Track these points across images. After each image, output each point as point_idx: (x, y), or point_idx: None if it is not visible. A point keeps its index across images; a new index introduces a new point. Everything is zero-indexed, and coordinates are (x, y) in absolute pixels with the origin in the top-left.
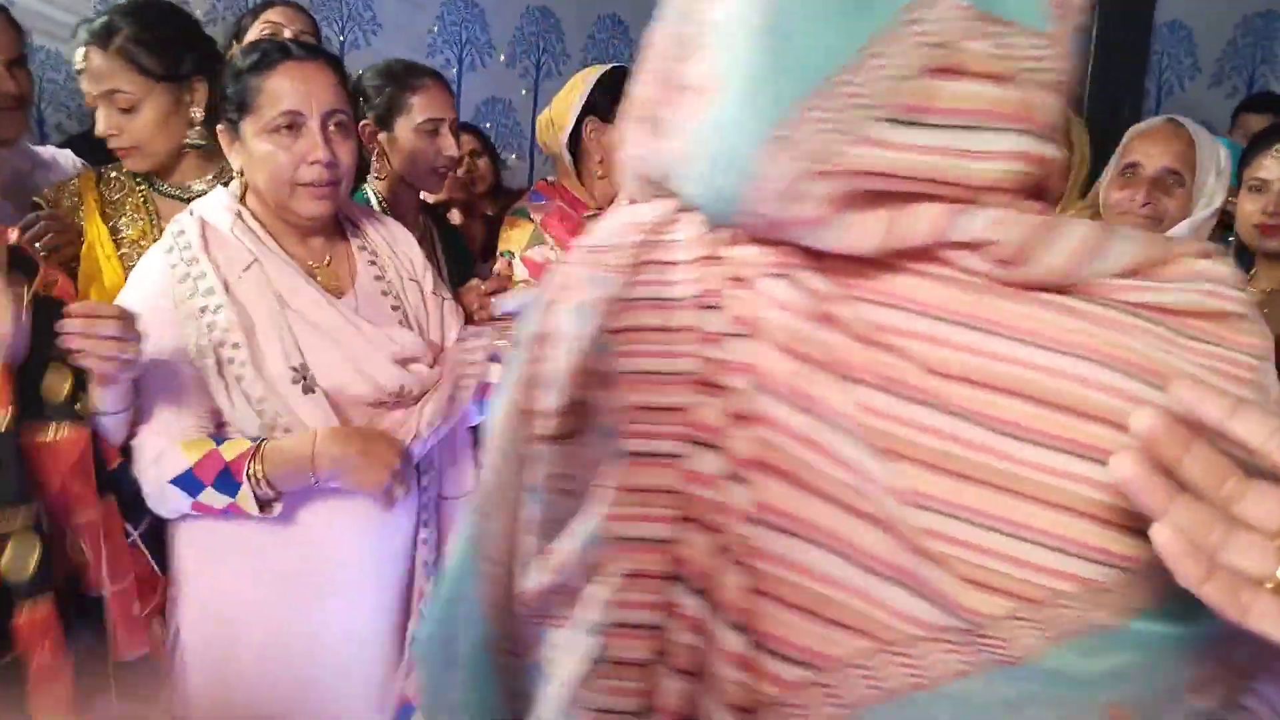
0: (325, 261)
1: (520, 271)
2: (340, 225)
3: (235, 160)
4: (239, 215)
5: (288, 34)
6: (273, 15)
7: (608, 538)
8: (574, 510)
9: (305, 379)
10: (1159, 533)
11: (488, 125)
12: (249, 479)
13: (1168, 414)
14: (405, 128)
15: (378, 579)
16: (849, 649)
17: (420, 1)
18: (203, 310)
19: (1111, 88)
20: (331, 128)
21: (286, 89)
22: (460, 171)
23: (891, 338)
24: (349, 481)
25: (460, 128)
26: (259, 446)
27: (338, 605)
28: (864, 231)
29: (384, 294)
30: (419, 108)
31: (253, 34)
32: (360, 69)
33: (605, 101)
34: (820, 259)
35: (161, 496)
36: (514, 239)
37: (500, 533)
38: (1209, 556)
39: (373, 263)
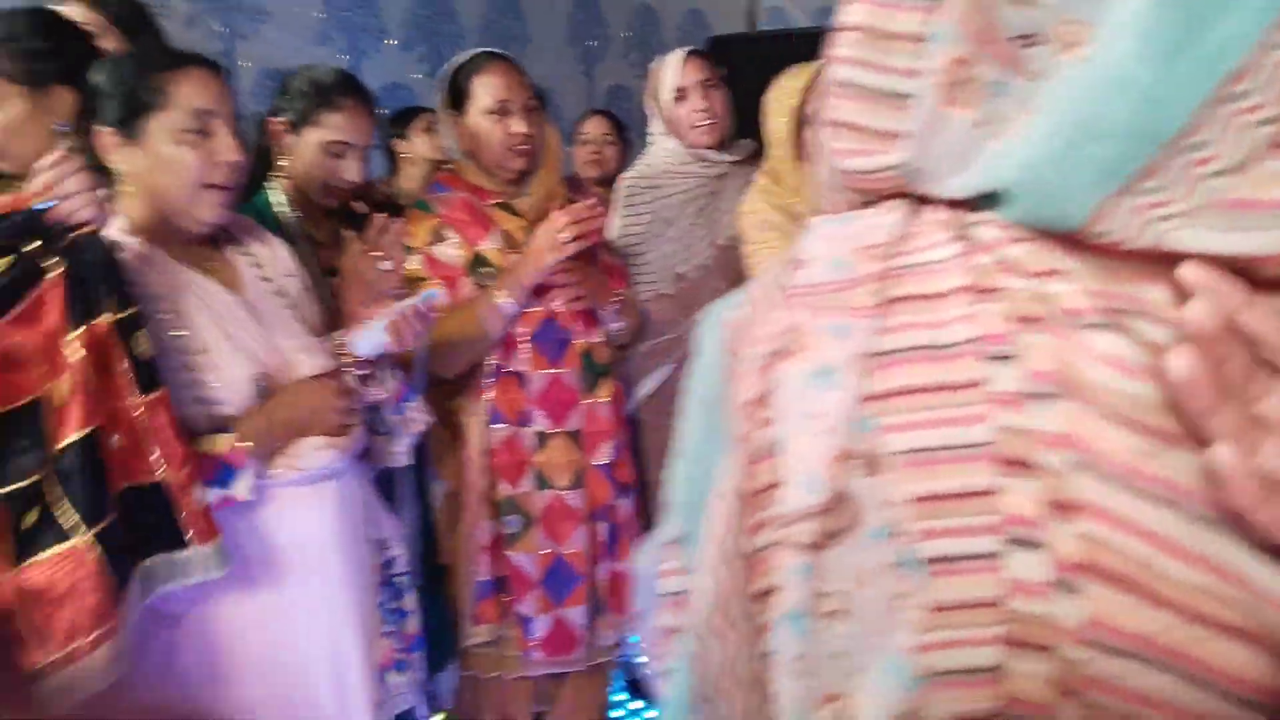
0: (212, 269)
1: (422, 269)
2: (212, 235)
3: (123, 166)
4: (135, 233)
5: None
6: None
7: (920, 674)
8: (853, 639)
9: (262, 386)
10: (1221, 454)
11: (384, 111)
12: (248, 463)
13: (1222, 308)
14: (311, 139)
15: (346, 563)
16: None
17: None
18: (158, 336)
19: None
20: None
21: (201, 90)
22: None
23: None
24: (309, 434)
25: (419, 111)
26: (238, 435)
27: (315, 582)
28: None
29: (278, 294)
30: (330, 126)
31: None
32: (248, 60)
33: (459, 93)
34: (1150, 292)
35: None
36: (415, 234)
37: (726, 662)
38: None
39: (256, 265)
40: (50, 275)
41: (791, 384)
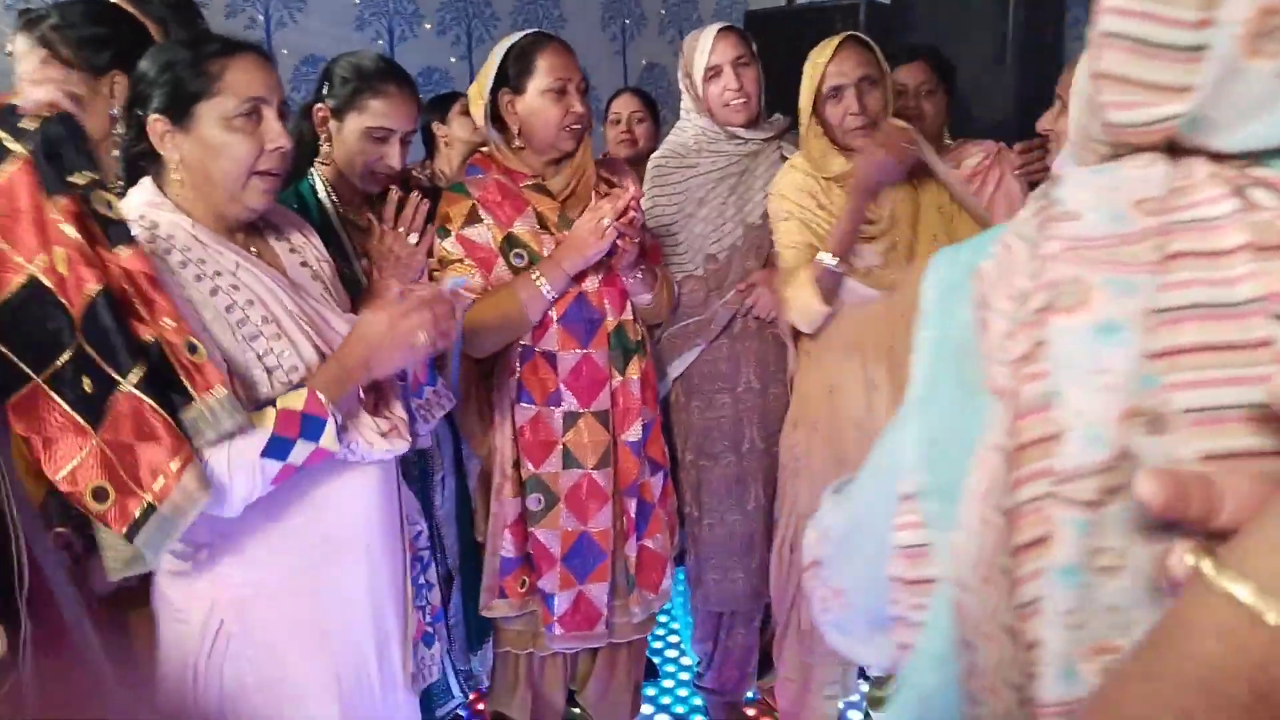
0: (255, 253)
1: (457, 251)
2: (253, 221)
3: (173, 153)
4: (187, 217)
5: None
6: None
7: None
8: (1128, 594)
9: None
10: None
11: (421, 97)
12: (330, 411)
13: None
14: (354, 125)
15: (386, 542)
16: None
17: None
18: (229, 309)
19: (1037, 22)
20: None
21: (251, 77)
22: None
23: None
24: (392, 365)
25: (457, 96)
26: (310, 388)
27: (360, 570)
28: None
29: (314, 278)
30: (373, 112)
31: None
32: (285, 49)
33: (515, 71)
34: None
35: (247, 478)
36: (451, 216)
37: (987, 612)
38: None
39: (293, 251)
40: (15, 158)
41: (1070, 339)
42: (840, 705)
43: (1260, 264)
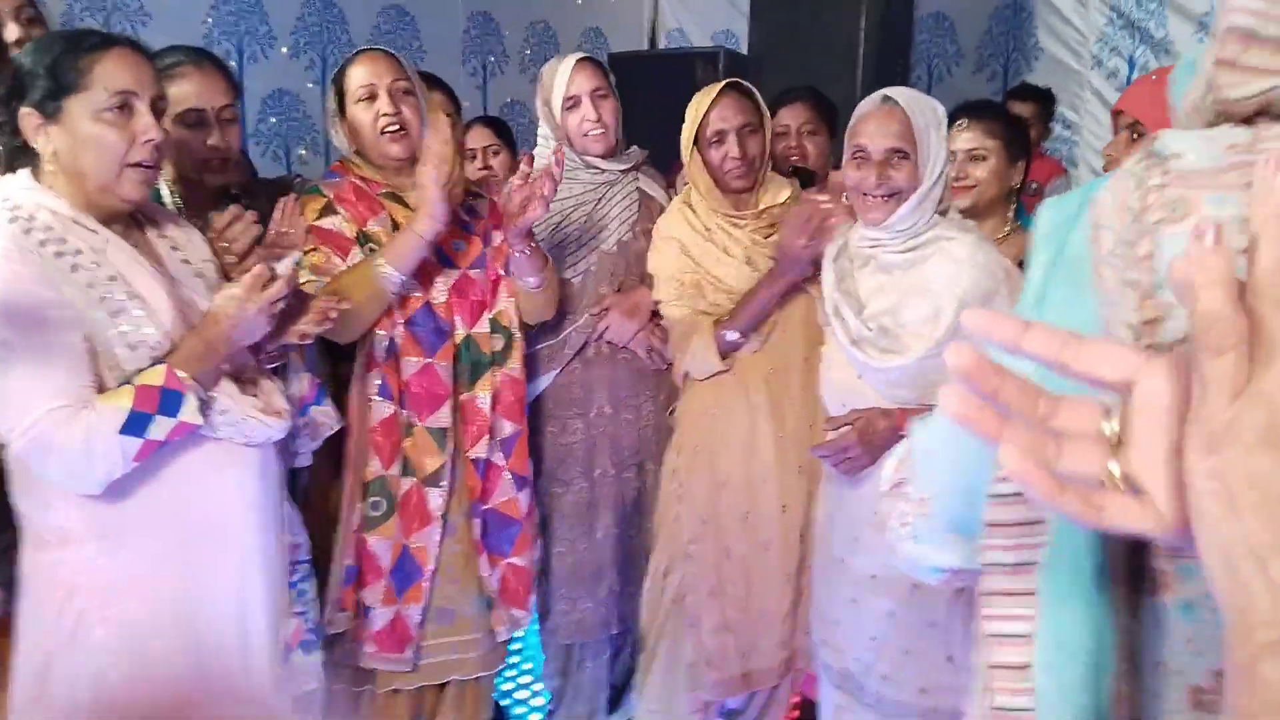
0: (132, 246)
1: (312, 242)
2: (134, 217)
3: (46, 145)
4: (56, 199)
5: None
6: None
7: None
8: None
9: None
10: (1007, 456)
11: (272, 120)
12: (188, 386)
13: (976, 351)
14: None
15: (260, 534)
16: None
17: None
18: (90, 285)
19: (882, 76)
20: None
21: (121, 70)
22: None
23: None
24: (249, 334)
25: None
26: (169, 364)
27: (231, 560)
28: None
29: (196, 275)
30: (177, 99)
31: None
32: None
33: (337, 90)
34: None
35: (105, 455)
36: (306, 213)
37: None
38: (1051, 471)
39: (175, 249)
40: None
41: (1177, 241)
42: None
43: None
